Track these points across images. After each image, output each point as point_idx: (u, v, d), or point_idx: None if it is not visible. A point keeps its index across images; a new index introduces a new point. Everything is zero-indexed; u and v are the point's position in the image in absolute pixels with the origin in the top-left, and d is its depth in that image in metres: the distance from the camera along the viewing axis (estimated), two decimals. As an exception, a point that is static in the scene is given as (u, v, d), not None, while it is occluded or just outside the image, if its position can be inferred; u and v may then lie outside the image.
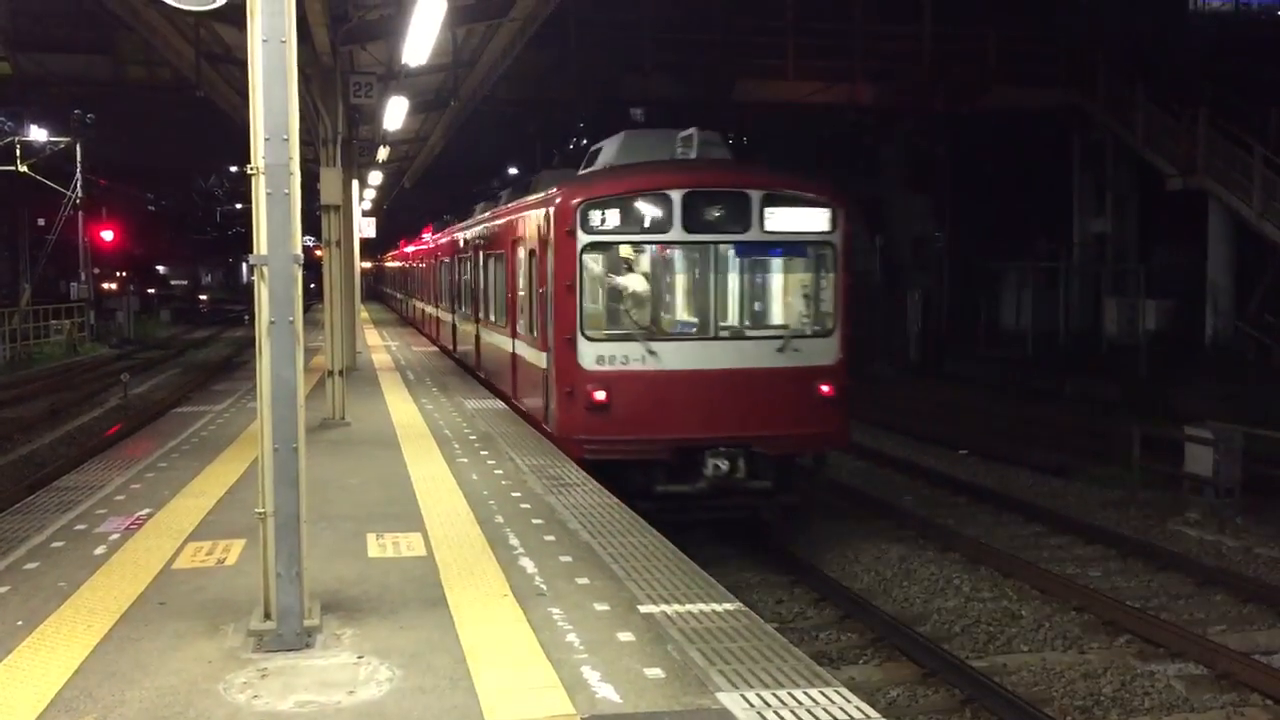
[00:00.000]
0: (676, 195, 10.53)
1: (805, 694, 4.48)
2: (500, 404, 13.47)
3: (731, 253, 10.91)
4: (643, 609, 5.53)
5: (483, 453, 10.32)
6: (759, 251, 11.20)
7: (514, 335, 13.57)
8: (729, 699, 4.39)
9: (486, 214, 17.63)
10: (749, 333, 11.00)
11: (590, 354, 10.60)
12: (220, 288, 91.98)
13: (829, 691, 4.51)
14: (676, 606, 5.58)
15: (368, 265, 51.24)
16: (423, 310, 27.43)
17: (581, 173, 13.12)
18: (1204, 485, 12.45)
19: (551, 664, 4.75)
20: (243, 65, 5.50)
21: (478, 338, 17.24)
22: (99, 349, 35.59)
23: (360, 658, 4.83)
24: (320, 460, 9.42)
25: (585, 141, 58.43)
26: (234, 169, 62.18)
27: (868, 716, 4.29)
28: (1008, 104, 26.42)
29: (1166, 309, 23.79)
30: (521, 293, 13.01)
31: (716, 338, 10.74)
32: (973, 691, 7.24)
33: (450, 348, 21.35)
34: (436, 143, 26.94)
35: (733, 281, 11.16)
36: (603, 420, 10.56)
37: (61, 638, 5.05)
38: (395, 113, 17.11)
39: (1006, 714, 6.90)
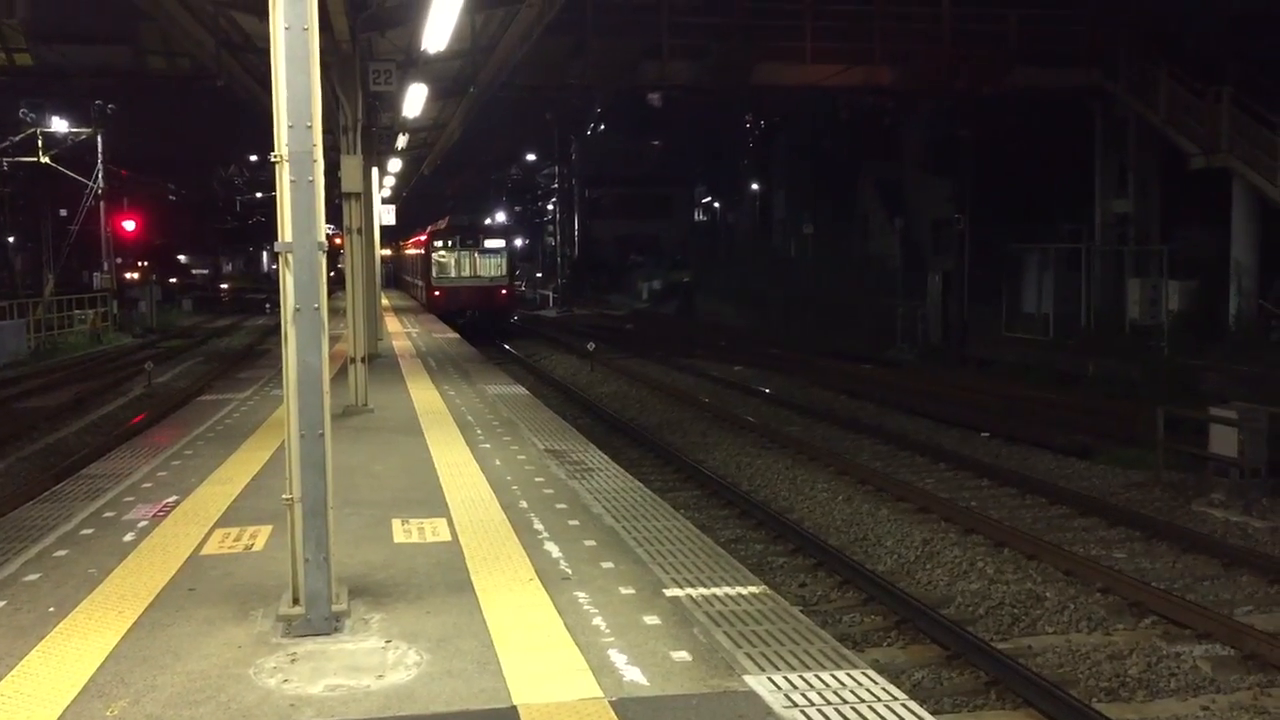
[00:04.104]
0: (457, 236, 35.80)
1: (832, 676, 4.49)
2: (522, 388, 14.79)
3: (476, 254, 35.10)
4: (668, 592, 5.54)
5: (505, 438, 10.36)
6: (484, 254, 35.10)
7: (422, 280, 36.71)
8: (756, 681, 4.41)
9: (420, 234, 42.28)
10: (481, 276, 34.83)
11: (435, 284, 34.79)
12: (241, 276, 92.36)
13: (855, 674, 4.53)
14: (702, 590, 5.60)
15: (387, 253, 52.02)
16: (406, 279, 50.51)
17: (440, 227, 37.48)
18: (1229, 466, 12.36)
19: (578, 647, 4.77)
20: (263, 54, 5.52)
21: (416, 284, 41.39)
22: (122, 338, 35.83)
23: (388, 642, 4.86)
24: (344, 447, 9.48)
25: (602, 126, 58.64)
26: (254, 158, 62.49)
27: (895, 697, 4.30)
28: (1029, 84, 26.18)
29: (1190, 289, 23.58)
30: (424, 265, 36.29)
31: (473, 279, 34.81)
32: (998, 673, 7.24)
33: (411, 293, 45.02)
34: (455, 129, 26.95)
35: (476, 262, 35.04)
36: (437, 301, 34.15)
37: (93, 624, 5.11)
38: (414, 100, 17.13)
39: (1031, 695, 6.89)
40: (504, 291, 34.87)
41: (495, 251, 34.95)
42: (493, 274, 34.65)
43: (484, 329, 31.87)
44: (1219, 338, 21.50)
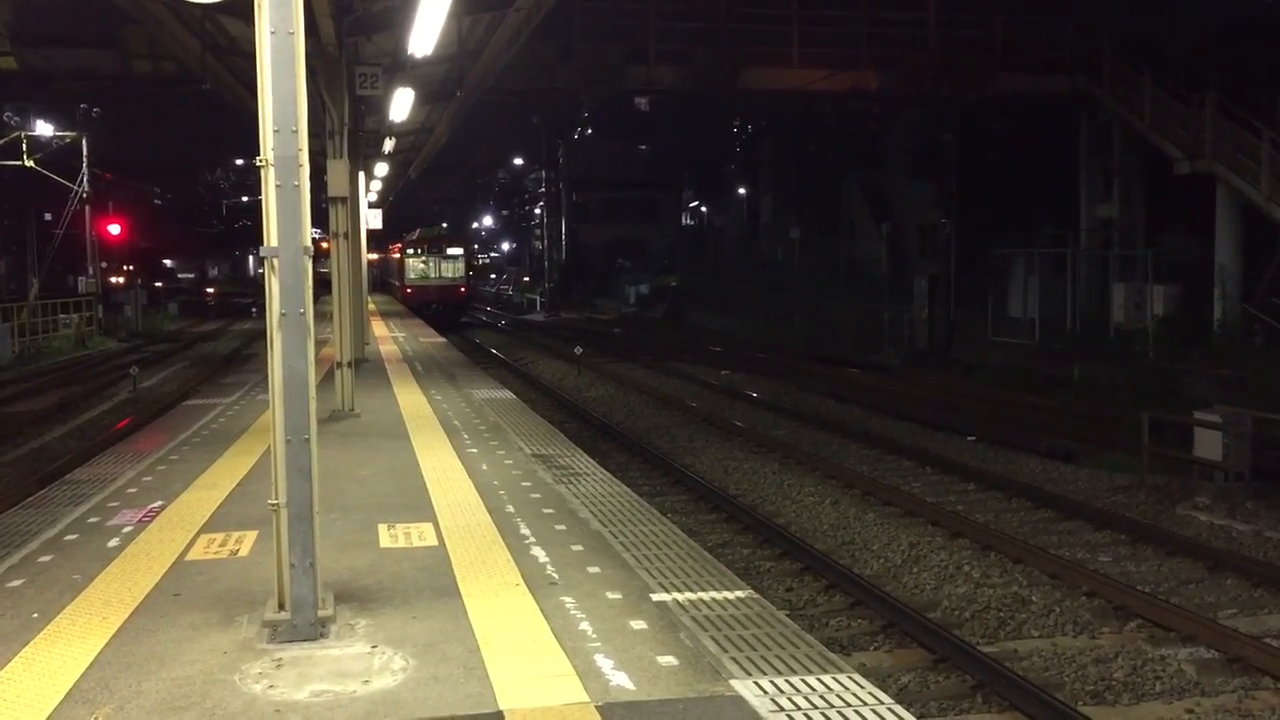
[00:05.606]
0: (425, 244, 43.55)
1: (818, 680, 4.49)
2: (509, 393, 14.76)
3: (440, 259, 42.61)
4: (655, 597, 5.54)
5: (492, 443, 10.35)
6: (445, 259, 42.68)
7: (398, 279, 46.11)
8: (742, 686, 4.41)
9: (398, 242, 51.26)
10: (443, 276, 42.46)
11: (406, 283, 42.76)
12: (227, 280, 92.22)
13: (841, 678, 4.53)
14: (689, 594, 5.60)
15: (374, 257, 52.66)
16: (393, 283, 53.46)
17: (413, 237, 46.89)
18: (1213, 470, 12.43)
19: (565, 652, 4.77)
20: (249, 58, 5.50)
21: (394, 282, 49.08)
22: (107, 343, 35.66)
23: (374, 647, 4.85)
24: (331, 452, 9.46)
25: (589, 131, 58.74)
26: (240, 162, 62.34)
27: (881, 701, 4.30)
28: (1014, 90, 26.33)
29: (1174, 294, 23.70)
30: (399, 268, 45.49)
31: (438, 279, 42.33)
32: (983, 677, 7.25)
33: (394, 290, 50.15)
34: (442, 134, 26.94)
35: (440, 265, 42.60)
36: (409, 297, 42.22)
37: (77, 630, 5.08)
38: (401, 104, 17.11)
39: (1017, 699, 6.90)
40: (462, 289, 43.73)
41: (455, 257, 43.42)
42: (453, 274, 42.91)
43: (445, 318, 39.79)
44: (1203, 342, 21.61)
